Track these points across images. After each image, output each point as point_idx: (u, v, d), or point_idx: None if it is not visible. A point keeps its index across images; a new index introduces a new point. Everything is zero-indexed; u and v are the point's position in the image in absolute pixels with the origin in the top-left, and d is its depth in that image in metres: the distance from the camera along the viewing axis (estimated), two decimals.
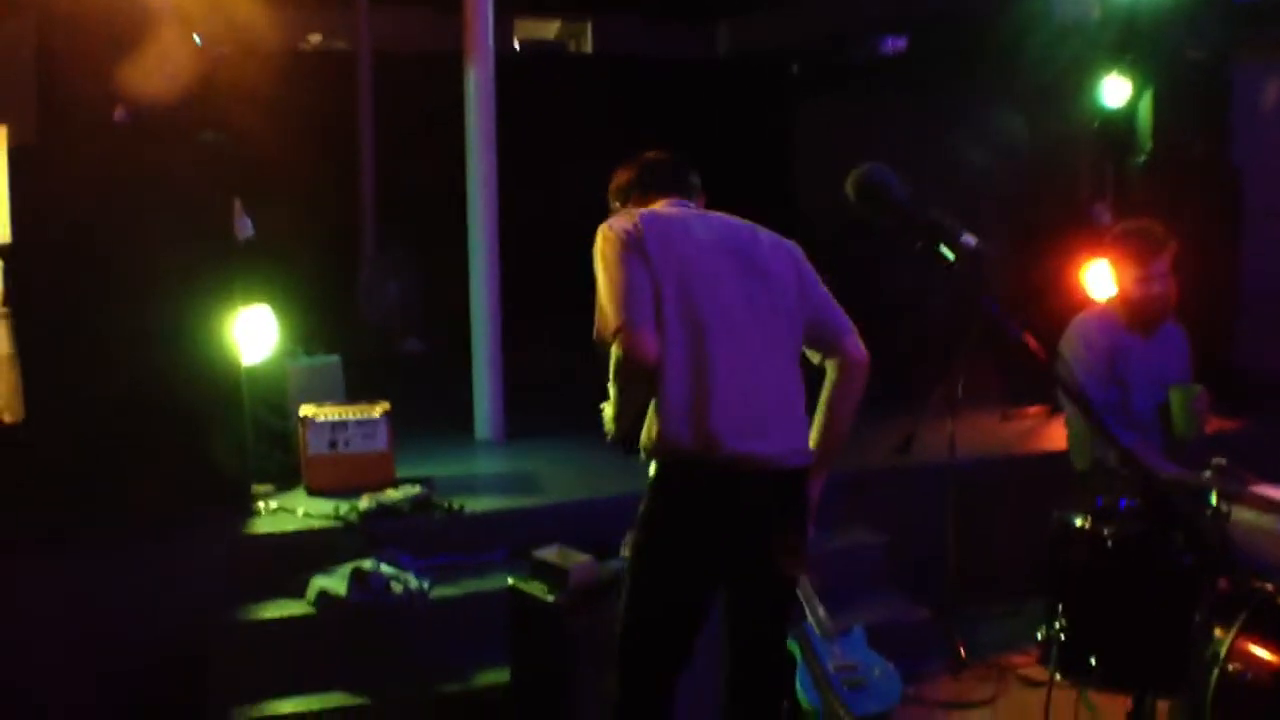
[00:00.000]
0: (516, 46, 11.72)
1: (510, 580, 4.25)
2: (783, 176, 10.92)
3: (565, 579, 4.05)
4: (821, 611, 4.67)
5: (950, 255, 2.30)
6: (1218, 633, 4.08)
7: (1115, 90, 7.14)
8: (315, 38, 10.54)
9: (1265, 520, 4.49)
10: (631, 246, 3.28)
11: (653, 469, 3.33)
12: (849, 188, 2.36)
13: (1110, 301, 5.15)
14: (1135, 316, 5.00)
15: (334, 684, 4.32)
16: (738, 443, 3.21)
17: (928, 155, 2.29)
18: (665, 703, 3.40)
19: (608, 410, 3.49)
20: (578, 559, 4.13)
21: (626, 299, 3.22)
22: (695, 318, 3.25)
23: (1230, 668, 4.02)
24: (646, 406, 3.28)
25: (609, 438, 3.53)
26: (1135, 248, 4.94)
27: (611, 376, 3.34)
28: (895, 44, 10.10)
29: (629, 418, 3.35)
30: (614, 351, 3.26)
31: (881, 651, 4.72)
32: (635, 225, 3.32)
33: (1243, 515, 4.58)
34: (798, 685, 4.53)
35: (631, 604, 3.37)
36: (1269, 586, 4.19)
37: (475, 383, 6.13)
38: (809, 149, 10.88)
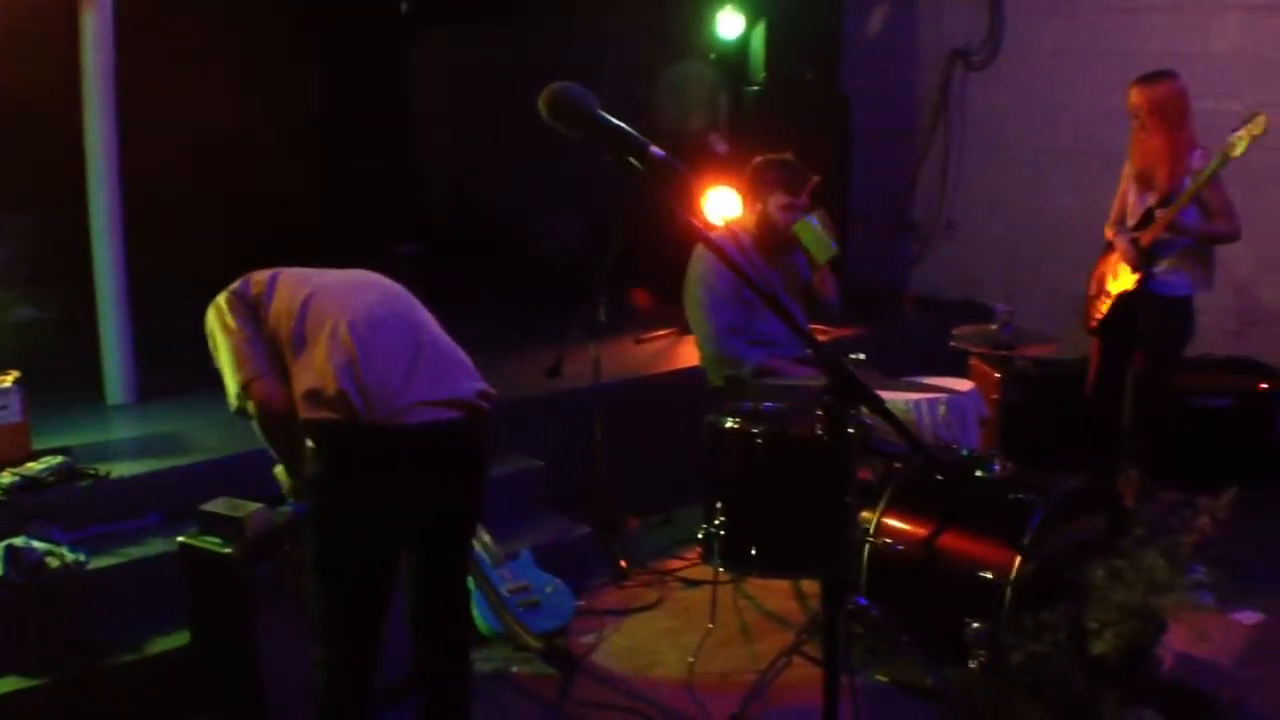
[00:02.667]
0: None
1: (181, 539, 4.12)
2: (402, 113, 10.82)
3: (240, 528, 3.97)
4: (489, 539, 4.80)
5: (638, 165, 2.43)
6: (865, 514, 4.50)
7: (729, 22, 7.44)
8: None
9: (895, 408, 4.94)
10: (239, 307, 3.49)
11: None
12: (542, 105, 2.45)
13: (736, 225, 5.46)
14: (769, 240, 5.34)
15: (3, 669, 4.09)
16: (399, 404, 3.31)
17: (544, 87, 2.38)
18: (374, 654, 3.45)
19: (279, 470, 3.66)
20: (249, 507, 4.04)
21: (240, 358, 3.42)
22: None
23: (879, 542, 4.45)
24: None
25: (291, 496, 3.70)
26: (788, 176, 5.27)
27: (265, 437, 3.52)
28: None
29: (298, 461, 3.45)
30: (252, 410, 3.43)
31: (550, 570, 4.90)
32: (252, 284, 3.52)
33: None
34: (475, 612, 4.64)
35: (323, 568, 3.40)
36: (902, 467, 4.66)
37: (104, 345, 5.81)
38: (427, 84, 10.81)
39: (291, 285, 3.50)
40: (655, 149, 2.45)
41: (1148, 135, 5.59)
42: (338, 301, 3.43)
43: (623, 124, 2.46)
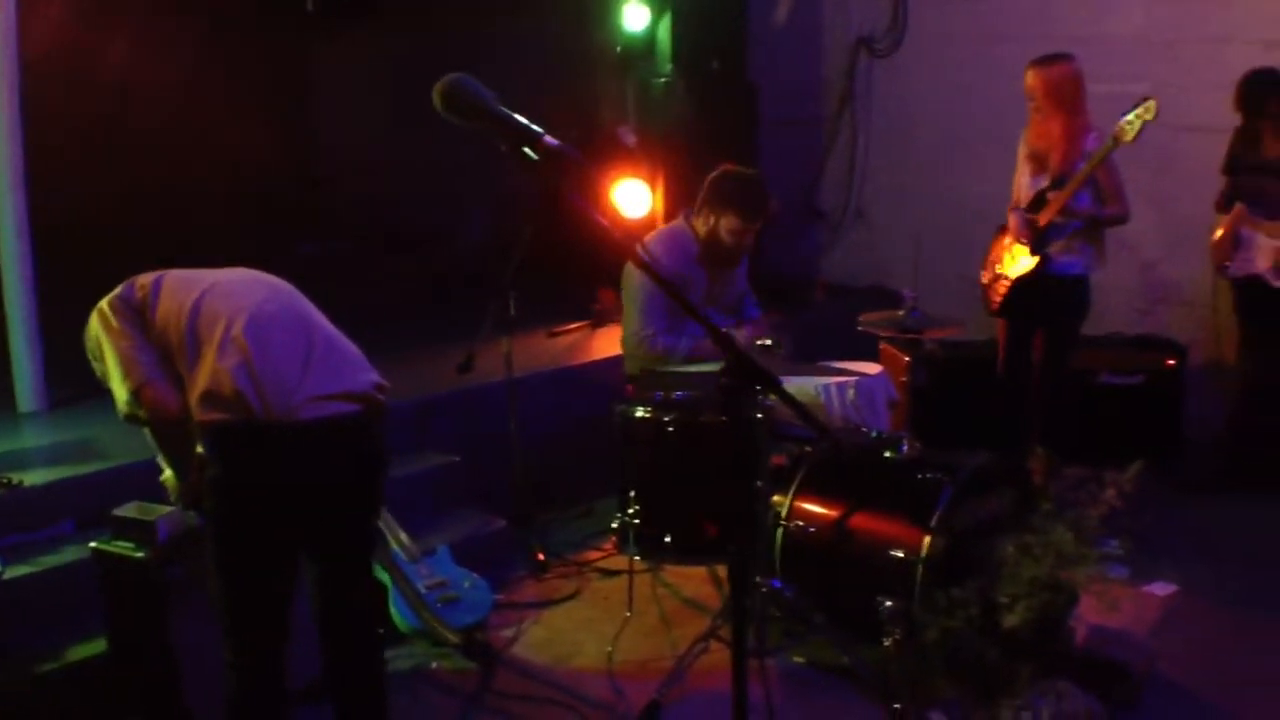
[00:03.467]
0: None
1: (94, 544, 4.08)
2: (306, 111, 10.71)
3: (152, 532, 3.94)
4: (405, 536, 4.78)
5: (534, 156, 2.43)
6: (777, 498, 4.54)
7: (635, 15, 7.44)
8: None
9: (804, 393, 5.00)
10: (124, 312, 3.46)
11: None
12: (436, 98, 2.45)
13: (685, 226, 5.45)
14: (711, 254, 5.35)
15: None
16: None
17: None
18: (281, 652, 3.44)
19: (167, 476, 3.65)
20: (161, 510, 4.01)
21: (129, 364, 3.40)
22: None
23: (791, 525, 4.49)
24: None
25: (179, 501, 3.68)
26: (746, 203, 5.26)
27: (155, 443, 3.52)
28: None
29: (189, 467, 3.44)
30: (143, 416, 3.40)
31: (469, 565, 4.89)
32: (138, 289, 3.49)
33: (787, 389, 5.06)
34: (393, 610, 4.63)
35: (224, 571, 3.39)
36: (813, 451, 4.70)
37: (13, 352, 5.69)
38: (328, 85, 10.70)
39: (178, 287, 3.47)
40: (550, 139, 2.45)
41: (1043, 117, 5.69)
42: (228, 302, 3.41)
43: (516, 114, 2.46)
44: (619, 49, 7.62)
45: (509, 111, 2.45)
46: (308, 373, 3.33)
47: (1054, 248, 5.69)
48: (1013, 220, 5.80)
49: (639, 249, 5.16)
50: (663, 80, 7.49)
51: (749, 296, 5.78)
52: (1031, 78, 5.67)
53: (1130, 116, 5.36)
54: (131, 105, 7.95)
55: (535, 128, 2.45)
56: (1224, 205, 6.20)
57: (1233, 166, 6.22)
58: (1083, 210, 5.64)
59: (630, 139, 7.34)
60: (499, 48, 8.28)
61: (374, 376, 3.49)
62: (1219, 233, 6.17)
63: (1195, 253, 7.20)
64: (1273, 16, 6.77)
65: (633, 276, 5.39)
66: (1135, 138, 5.38)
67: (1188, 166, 7.01)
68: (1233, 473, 6.32)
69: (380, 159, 9.50)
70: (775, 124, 8.27)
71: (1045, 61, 5.67)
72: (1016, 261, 5.80)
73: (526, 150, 2.45)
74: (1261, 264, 5.96)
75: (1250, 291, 6.14)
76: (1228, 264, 6.16)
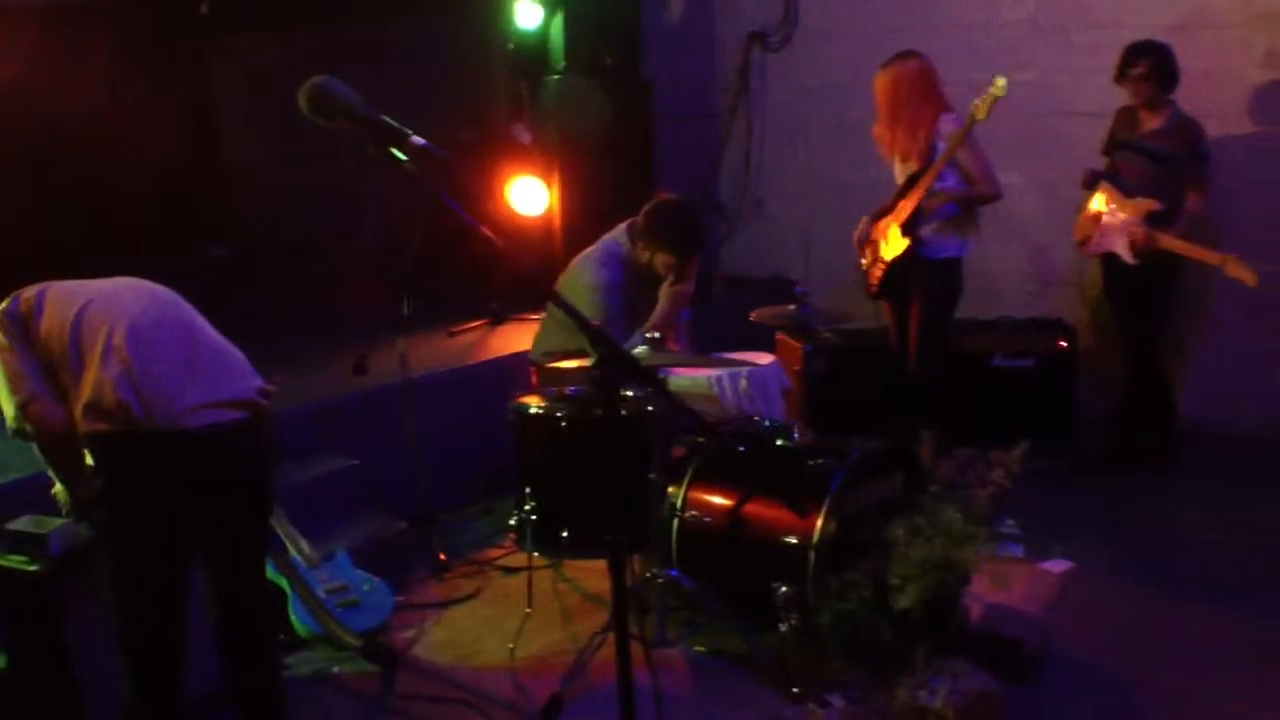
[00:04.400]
0: None
1: None
2: (209, 114, 10.59)
3: (45, 546, 3.89)
4: (303, 542, 4.75)
5: (402, 157, 2.44)
6: (671, 489, 4.57)
7: (528, 12, 7.41)
8: None
9: (697, 385, 5.05)
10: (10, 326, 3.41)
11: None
12: (301, 100, 2.45)
13: (625, 245, 5.35)
14: (641, 277, 5.29)
15: None
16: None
17: (352, 85, 2.38)
18: (177, 661, 3.43)
19: (58, 490, 3.60)
20: (54, 524, 3.97)
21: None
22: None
23: (687, 516, 4.53)
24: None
25: (70, 515, 3.63)
26: (686, 241, 5.24)
27: (44, 457, 3.47)
28: None
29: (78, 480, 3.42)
30: (31, 431, 3.37)
31: (368, 568, 4.87)
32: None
33: (678, 382, 5.12)
34: (293, 616, 4.59)
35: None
36: (705, 441, 4.74)
37: None
38: (236, 85, 10.59)
39: (61, 299, 3.44)
40: (416, 138, 2.46)
41: (883, 115, 5.84)
42: (109, 311, 3.39)
43: (382, 114, 2.47)
44: (512, 47, 7.62)
45: (374, 112, 2.46)
46: (191, 381, 3.32)
47: (927, 230, 5.80)
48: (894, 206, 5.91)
49: (587, 260, 5.18)
50: (556, 78, 7.49)
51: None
52: (878, 80, 5.88)
53: (984, 96, 5.53)
54: (33, 114, 7.82)
55: (401, 127, 2.46)
56: (1088, 183, 6.35)
57: (1108, 145, 6.39)
58: (951, 191, 5.76)
59: (525, 137, 7.33)
60: (396, 48, 8.26)
61: (258, 382, 3.49)
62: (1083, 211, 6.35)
63: None
64: (1162, 3, 6.93)
65: (585, 274, 5.32)
66: (988, 114, 5.54)
67: (1078, 152, 7.15)
68: (1124, 452, 6.45)
69: (282, 162, 9.43)
70: (671, 119, 8.30)
71: (890, 62, 5.86)
72: (890, 244, 5.90)
73: (394, 150, 2.45)
74: (1118, 241, 6.09)
75: (1110, 269, 6.29)
76: (1088, 241, 6.31)
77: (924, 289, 5.89)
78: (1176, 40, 6.29)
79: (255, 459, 3.49)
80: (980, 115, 5.53)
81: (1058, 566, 5.29)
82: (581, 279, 5.24)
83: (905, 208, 5.78)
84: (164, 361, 3.32)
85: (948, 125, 5.70)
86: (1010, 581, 4.70)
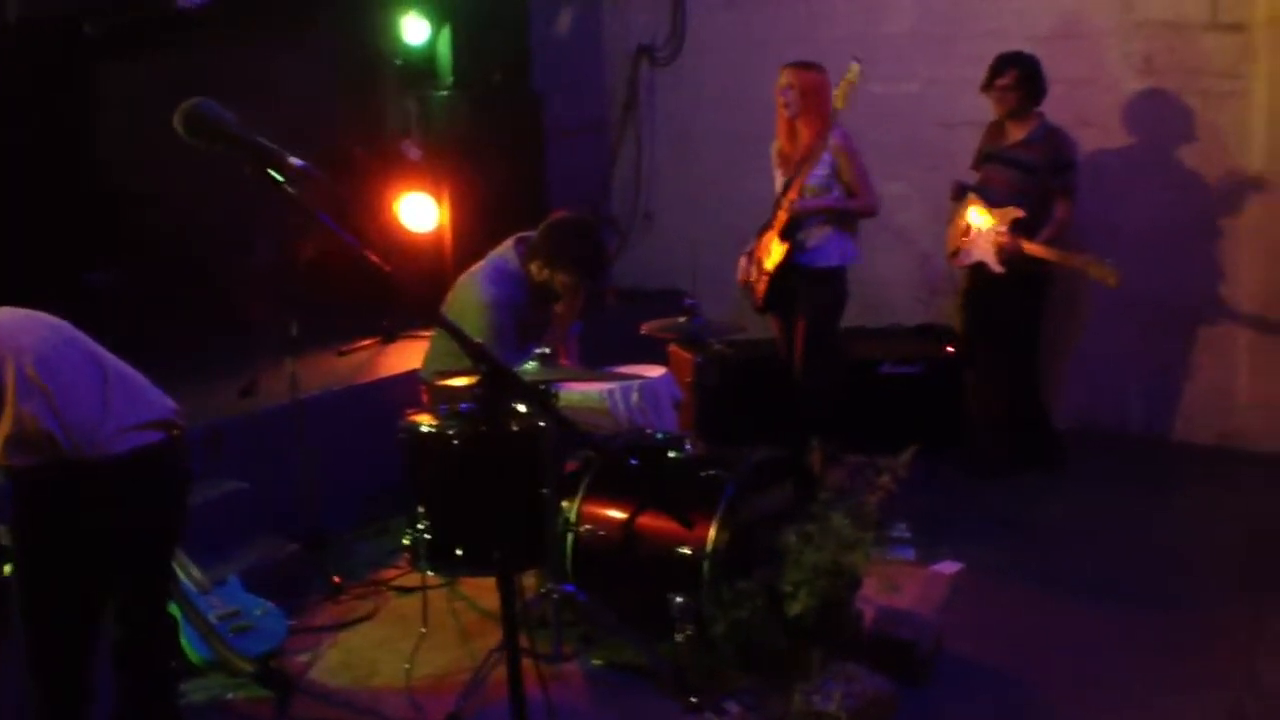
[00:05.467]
0: None
1: None
2: (81, 142, 10.37)
3: None
4: (193, 568, 4.69)
5: (279, 177, 2.43)
6: (565, 504, 4.58)
7: (415, 28, 7.38)
8: None
9: (589, 399, 5.06)
10: None
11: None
12: (178, 123, 2.43)
13: (517, 262, 5.24)
14: (536, 296, 5.22)
15: None
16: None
17: (237, 105, 2.35)
18: (88, 687, 3.40)
19: None
20: None
21: None
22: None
23: (581, 530, 4.54)
24: None
25: None
26: (588, 263, 5.14)
27: None
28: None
29: None
30: None
31: (261, 592, 4.81)
32: None
33: (571, 397, 5.13)
34: (185, 643, 4.53)
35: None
36: (597, 455, 4.76)
37: None
38: (111, 111, 10.41)
39: None
40: (294, 159, 2.46)
41: (793, 115, 5.90)
42: (11, 343, 3.31)
43: (259, 136, 2.46)
44: (400, 63, 7.58)
45: (250, 133, 2.45)
46: (109, 406, 3.29)
47: (808, 240, 5.88)
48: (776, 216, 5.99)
49: (475, 278, 5.13)
50: (444, 93, 7.47)
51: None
52: (790, 77, 5.87)
53: (839, 86, 5.72)
54: None
55: (277, 148, 2.45)
56: (956, 196, 6.50)
57: (978, 158, 6.54)
58: (830, 204, 5.86)
59: (415, 153, 7.29)
60: (284, 67, 8.16)
61: (171, 403, 3.47)
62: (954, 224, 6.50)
63: None
64: (1041, 11, 7.11)
65: (473, 291, 5.25)
66: (846, 103, 5.71)
67: (962, 161, 7.29)
68: (1014, 456, 6.59)
69: (168, 182, 9.29)
70: (561, 133, 8.32)
71: (802, 65, 5.90)
72: (772, 254, 5.98)
73: (271, 171, 2.44)
74: (985, 251, 6.23)
75: (980, 279, 6.43)
76: (958, 253, 6.45)
77: (808, 300, 5.97)
78: (1056, 49, 6.47)
79: (179, 479, 3.50)
80: (839, 104, 5.66)
81: (948, 568, 5.38)
82: (470, 296, 5.20)
83: (781, 217, 5.87)
84: (80, 389, 3.27)
85: (835, 139, 5.79)
86: (901, 584, 4.79)
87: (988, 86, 6.30)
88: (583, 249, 5.15)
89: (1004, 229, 6.13)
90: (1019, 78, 6.19)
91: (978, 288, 6.49)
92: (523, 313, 5.21)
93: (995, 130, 6.45)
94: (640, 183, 8.75)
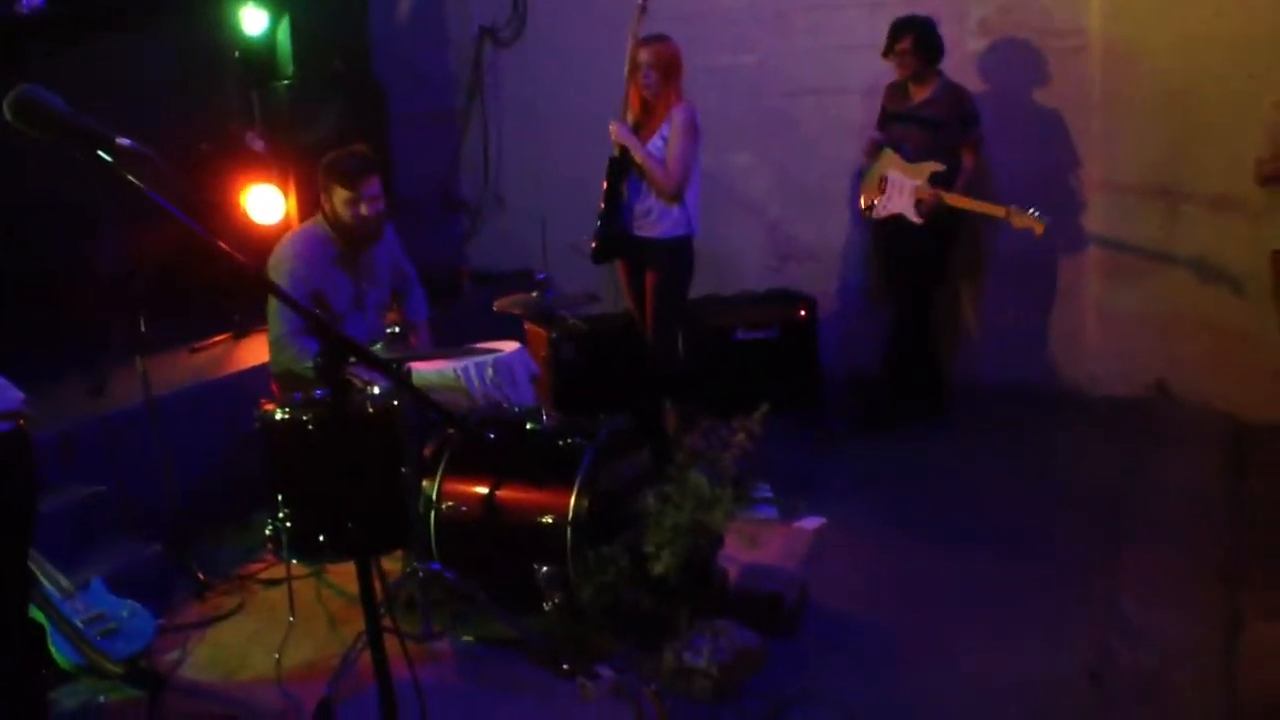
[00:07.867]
0: None
1: None
2: None
3: None
4: (57, 574, 4.61)
5: (109, 159, 2.42)
6: (425, 483, 4.60)
7: (253, 19, 7.28)
8: None
9: (444, 377, 5.08)
10: None
11: None
12: (7, 110, 2.41)
13: (321, 226, 5.31)
14: (347, 238, 5.25)
15: None
16: None
17: (81, 106, 2.33)
18: None
19: None
20: None
21: None
22: None
23: (443, 508, 4.56)
24: None
25: None
26: (342, 169, 5.16)
27: None
28: (32, 2, 9.57)
29: None
30: None
31: (126, 594, 4.74)
32: None
33: (425, 376, 5.14)
34: (52, 648, 4.46)
35: None
36: (454, 433, 4.78)
37: None
38: None
39: None
40: (123, 140, 2.45)
41: (653, 95, 5.95)
42: None
43: (87, 118, 2.45)
44: (239, 55, 7.47)
45: (79, 117, 2.43)
46: None
47: (650, 210, 5.95)
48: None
49: (281, 254, 5.11)
50: (286, 83, 7.39)
51: (415, 297, 5.78)
52: (648, 55, 5.90)
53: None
54: None
55: (105, 131, 2.44)
56: (871, 152, 6.70)
57: (882, 119, 6.71)
58: (642, 160, 5.93)
59: (258, 144, 7.20)
60: (127, 63, 8.00)
61: (18, 393, 3.37)
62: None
63: (818, 209, 7.65)
64: None
65: (273, 276, 5.24)
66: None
67: (803, 130, 7.44)
68: (896, 408, 6.78)
69: (11, 183, 9.07)
70: (407, 119, 8.29)
71: (657, 39, 5.95)
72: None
73: (101, 154, 2.43)
74: (904, 203, 6.43)
75: (894, 231, 6.61)
76: (873, 208, 6.62)
77: (656, 269, 6.02)
78: (896, 14, 6.61)
79: (29, 473, 3.38)
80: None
81: (810, 524, 5.51)
82: (271, 262, 5.26)
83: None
84: None
85: (678, 114, 5.84)
86: (763, 541, 4.91)
87: (888, 52, 6.51)
88: (338, 160, 5.22)
89: (925, 183, 6.32)
90: (916, 40, 6.41)
91: (891, 238, 6.67)
92: (334, 277, 5.25)
93: (897, 92, 6.65)
94: (489, 165, 8.75)
